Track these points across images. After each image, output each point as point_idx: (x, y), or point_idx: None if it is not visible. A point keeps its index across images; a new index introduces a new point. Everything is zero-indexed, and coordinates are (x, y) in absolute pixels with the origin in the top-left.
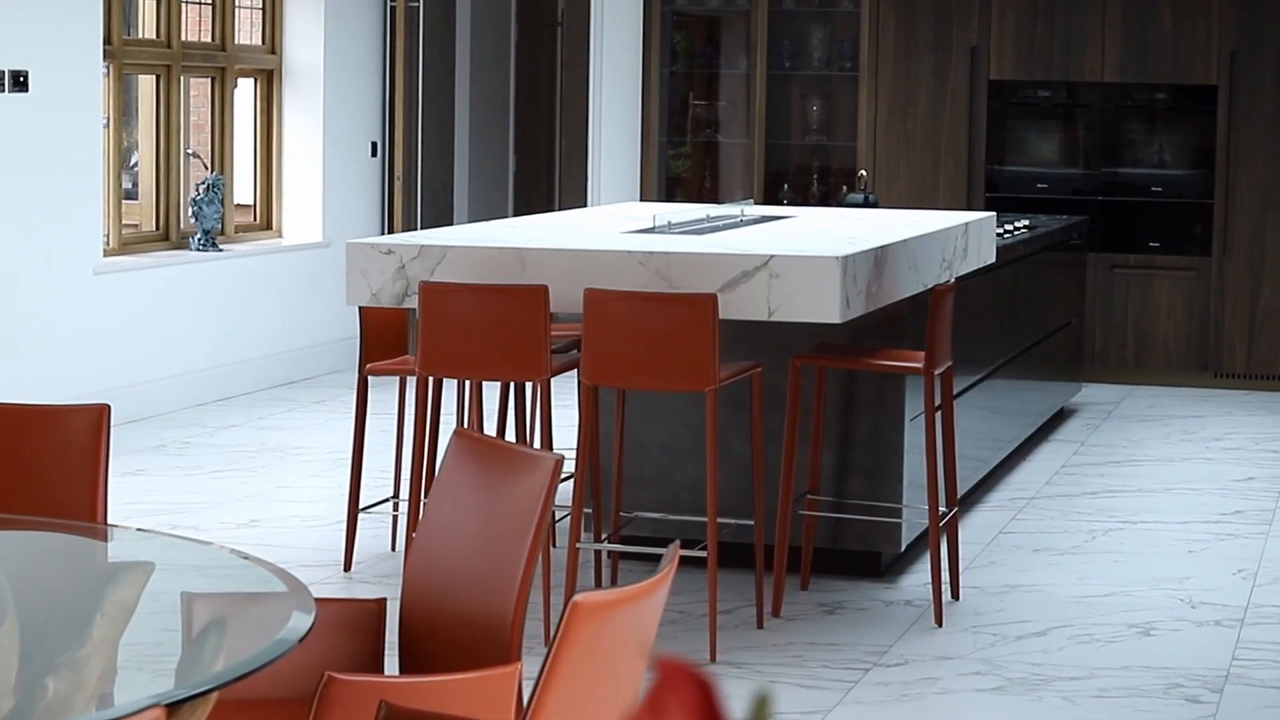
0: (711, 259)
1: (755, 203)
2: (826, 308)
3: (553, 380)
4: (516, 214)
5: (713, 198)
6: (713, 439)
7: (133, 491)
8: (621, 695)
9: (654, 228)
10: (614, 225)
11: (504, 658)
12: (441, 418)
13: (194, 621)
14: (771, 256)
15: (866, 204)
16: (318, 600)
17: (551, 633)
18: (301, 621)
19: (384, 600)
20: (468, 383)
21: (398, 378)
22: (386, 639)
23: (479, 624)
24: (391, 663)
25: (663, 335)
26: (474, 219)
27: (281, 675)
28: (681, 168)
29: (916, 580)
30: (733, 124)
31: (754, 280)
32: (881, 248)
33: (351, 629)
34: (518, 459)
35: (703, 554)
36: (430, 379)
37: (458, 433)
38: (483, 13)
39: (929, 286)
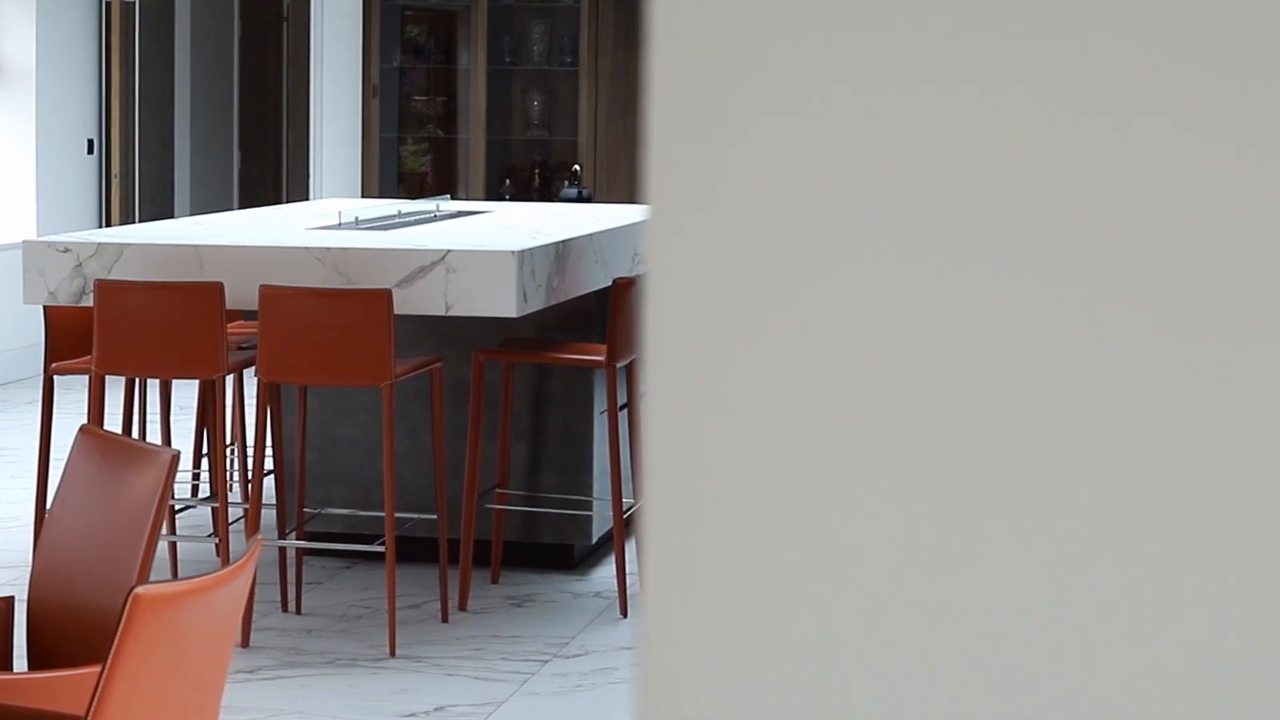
0: (388, 254)
1: (480, 198)
2: (503, 302)
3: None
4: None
5: (435, 193)
6: (389, 434)
7: None
8: (197, 686)
9: (339, 224)
10: (300, 222)
11: None
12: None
13: None
14: (448, 252)
15: (581, 199)
16: None
17: None
18: None
19: (11, 598)
20: (155, 382)
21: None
22: (18, 637)
23: (100, 620)
24: (24, 661)
25: (338, 331)
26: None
27: None
28: (419, 164)
29: (609, 572)
30: (460, 119)
31: (431, 275)
32: (563, 242)
33: None
34: (136, 454)
35: (382, 549)
36: (125, 378)
37: (82, 430)
38: (203, 8)
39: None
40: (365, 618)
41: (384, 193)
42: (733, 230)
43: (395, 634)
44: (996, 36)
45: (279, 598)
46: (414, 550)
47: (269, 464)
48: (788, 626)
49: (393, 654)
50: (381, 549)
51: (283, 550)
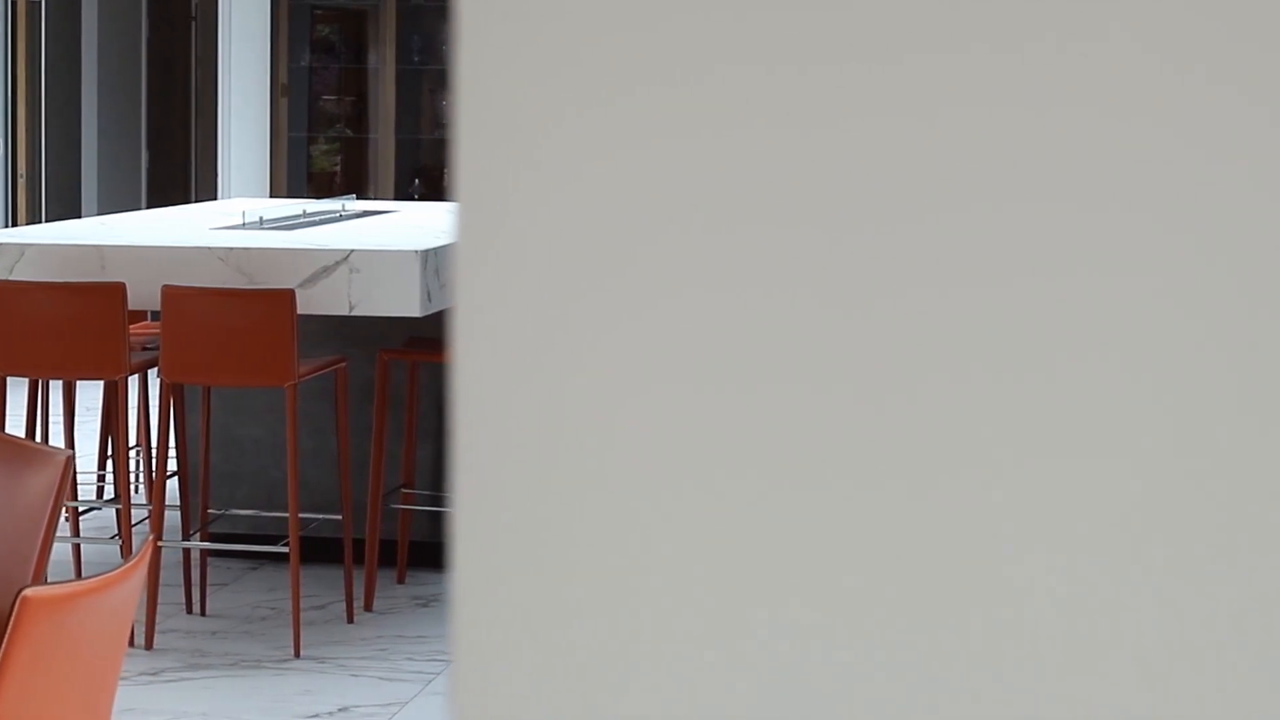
0: (292, 254)
1: (390, 197)
2: (407, 302)
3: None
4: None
5: (343, 193)
6: (292, 434)
7: None
8: (89, 688)
9: (243, 224)
10: (205, 222)
11: None
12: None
13: None
14: (351, 251)
15: None
16: None
17: None
18: None
19: None
20: (59, 383)
21: None
22: None
23: None
24: None
25: (241, 331)
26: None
27: None
28: (329, 163)
29: None
30: (369, 119)
31: (334, 275)
32: None
33: None
34: (31, 456)
35: (287, 550)
36: (28, 379)
37: None
38: (110, 7)
39: None
40: (270, 619)
41: (293, 192)
42: (539, 222)
43: (300, 635)
44: (784, 13)
45: (183, 599)
46: (320, 551)
47: (173, 465)
48: (601, 627)
49: (297, 655)
50: (286, 550)
51: (186, 552)
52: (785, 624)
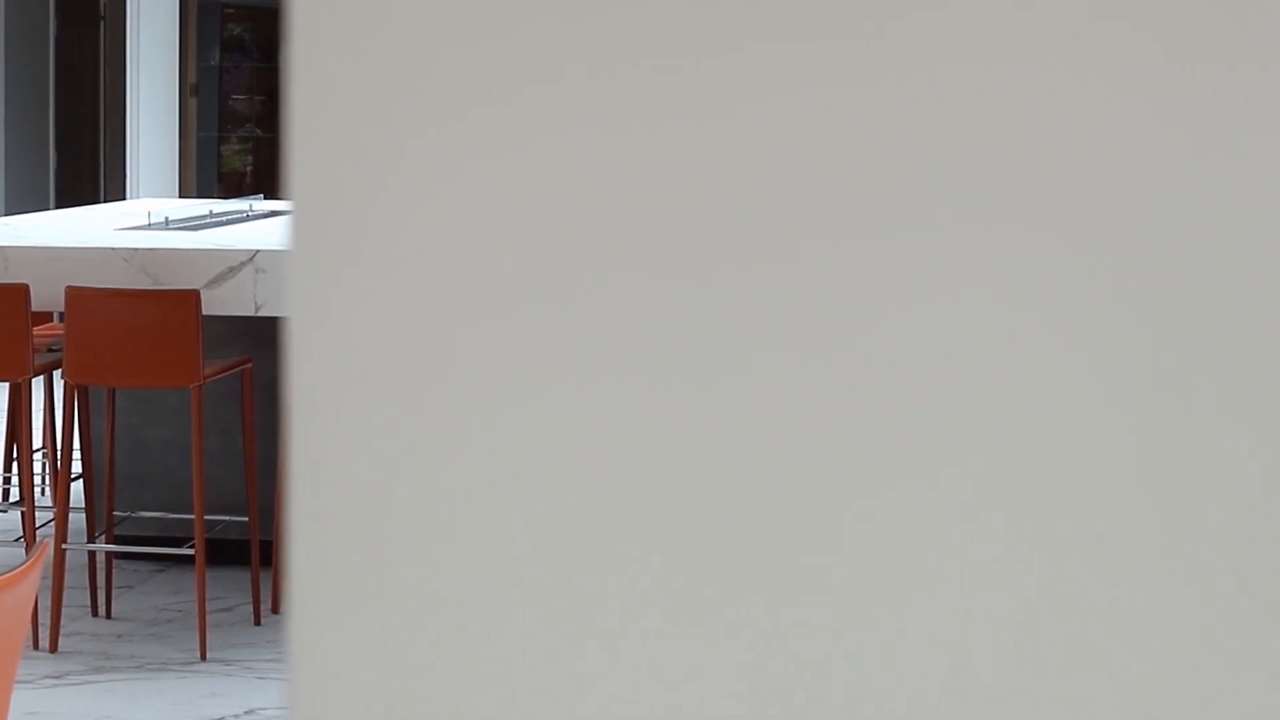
0: (197, 255)
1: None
2: None
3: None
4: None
5: (251, 193)
6: (198, 436)
7: None
8: None
9: (149, 225)
10: (110, 222)
11: None
12: None
13: None
14: (257, 251)
15: None
16: None
17: None
18: None
19: None
20: None
21: None
22: None
23: None
24: None
25: (146, 332)
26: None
27: None
28: (241, 163)
29: None
30: (281, 118)
31: (240, 275)
32: None
33: None
34: None
35: (192, 552)
36: None
37: None
38: (18, 6)
39: None
40: (177, 621)
41: (203, 192)
42: (373, 226)
43: (206, 637)
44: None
45: (89, 602)
46: (227, 553)
47: (79, 467)
48: (441, 636)
49: (204, 658)
50: (193, 552)
51: (92, 554)
52: (636, 631)
